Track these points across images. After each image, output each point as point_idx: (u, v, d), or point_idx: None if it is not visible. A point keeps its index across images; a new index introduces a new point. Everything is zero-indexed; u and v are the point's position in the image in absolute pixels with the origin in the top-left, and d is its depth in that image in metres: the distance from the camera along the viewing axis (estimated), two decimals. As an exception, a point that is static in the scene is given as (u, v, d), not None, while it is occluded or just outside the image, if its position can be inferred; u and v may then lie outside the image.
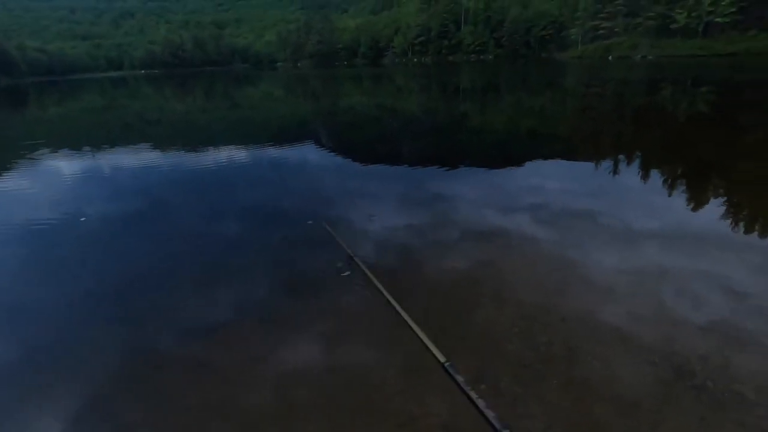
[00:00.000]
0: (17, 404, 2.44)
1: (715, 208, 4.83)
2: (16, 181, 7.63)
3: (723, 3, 42.88)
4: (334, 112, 16.87)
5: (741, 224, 4.38)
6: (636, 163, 7.08)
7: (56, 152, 10.33)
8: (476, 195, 5.75)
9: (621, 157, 7.46)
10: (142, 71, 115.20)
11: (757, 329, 2.68)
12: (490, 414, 1.24)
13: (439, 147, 9.40)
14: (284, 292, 3.48)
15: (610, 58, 50.52)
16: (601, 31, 56.20)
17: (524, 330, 2.78)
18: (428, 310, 3.04)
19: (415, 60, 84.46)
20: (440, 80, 32.07)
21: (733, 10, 42.37)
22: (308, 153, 9.09)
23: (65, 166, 8.75)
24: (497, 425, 1.13)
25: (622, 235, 4.18)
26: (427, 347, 1.56)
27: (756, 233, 4.15)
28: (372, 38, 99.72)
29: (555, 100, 17.54)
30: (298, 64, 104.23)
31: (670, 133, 9.55)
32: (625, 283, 3.29)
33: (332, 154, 9.00)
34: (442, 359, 1.52)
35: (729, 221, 4.45)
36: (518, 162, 7.43)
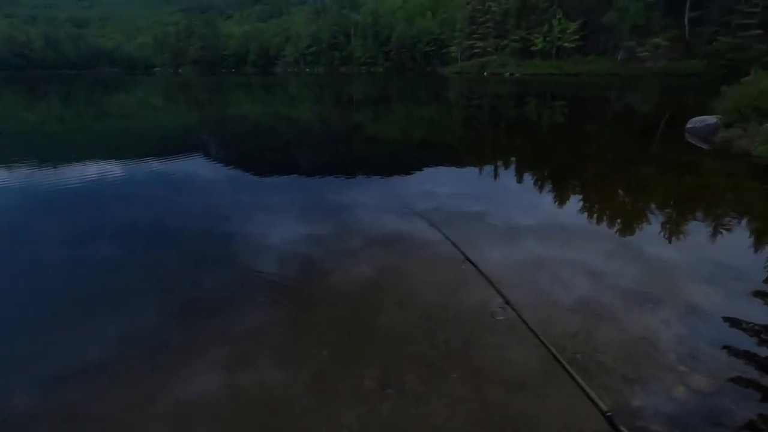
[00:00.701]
0: None
1: (573, 203, 5.66)
2: None
3: (569, 31, 51.04)
4: (224, 121, 15.90)
5: (594, 216, 5.21)
6: (512, 167, 7.98)
7: None
8: (374, 202, 5.90)
9: (499, 162, 8.36)
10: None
11: (611, 304, 3.19)
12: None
13: (335, 156, 9.45)
14: (174, 318, 3.14)
15: (485, 74, 56.35)
16: (477, 50, 62.48)
17: (425, 330, 2.91)
18: (335, 318, 3.02)
19: (308, 70, 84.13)
20: (333, 90, 32.40)
21: (577, 37, 50.76)
22: (196, 165, 8.40)
23: None
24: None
25: (504, 232, 4.66)
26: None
27: (605, 223, 4.97)
28: (261, 46, 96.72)
29: (441, 111, 18.94)
30: (180, 70, 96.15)
31: (537, 141, 10.99)
32: (510, 274, 3.66)
33: (223, 165, 8.45)
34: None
35: (585, 214, 5.27)
36: (411, 169, 7.82)
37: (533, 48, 55.32)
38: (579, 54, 51.67)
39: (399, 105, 22.00)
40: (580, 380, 1.72)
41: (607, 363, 2.55)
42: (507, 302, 2.43)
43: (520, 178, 7.12)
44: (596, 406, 1.60)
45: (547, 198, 6.00)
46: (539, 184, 6.74)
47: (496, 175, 7.37)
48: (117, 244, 4.57)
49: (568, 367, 1.81)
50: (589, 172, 7.64)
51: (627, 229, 4.78)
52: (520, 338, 2.77)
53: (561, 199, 5.91)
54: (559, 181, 7.08)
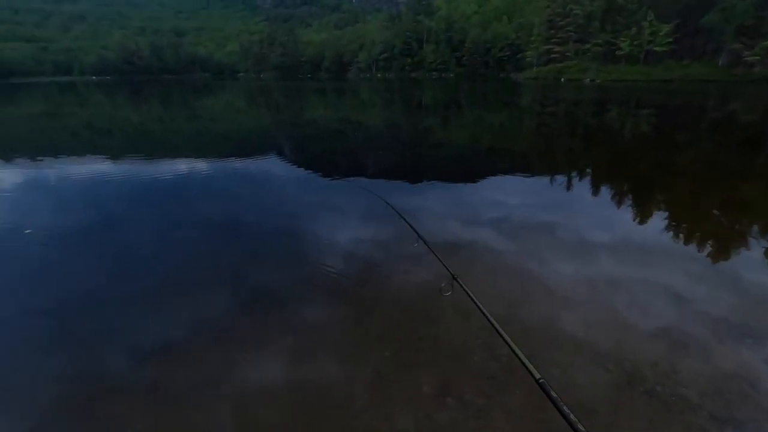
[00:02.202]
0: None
1: (657, 220, 5.18)
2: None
3: (661, 33, 46.89)
4: (298, 125, 16.75)
5: (681, 235, 4.72)
6: (587, 178, 7.49)
7: (-7, 160, 9.56)
8: (440, 209, 5.85)
9: (574, 172, 7.88)
10: (94, 77, 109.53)
11: (698, 334, 2.87)
12: (581, 429, 1.26)
13: (402, 161, 9.53)
14: (242, 308, 3.36)
15: (562, 80, 53.59)
16: (554, 55, 59.66)
17: (487, 341, 2.83)
18: (395, 321, 3.04)
19: (379, 75, 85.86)
20: (403, 96, 32.70)
21: (670, 40, 46.46)
22: (271, 166, 8.94)
23: (4, 176, 8.10)
24: None
25: (577, 247, 4.39)
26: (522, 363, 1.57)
27: (694, 244, 4.48)
28: (336, 53, 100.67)
29: (513, 117, 18.32)
30: (261, 76, 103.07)
31: (618, 151, 10.21)
32: (581, 291, 3.44)
33: (295, 167, 8.89)
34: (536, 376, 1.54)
35: (670, 233, 4.79)
36: (479, 177, 7.65)
37: (619, 52, 51.56)
38: (671, 59, 47.27)
39: (469, 110, 21.65)
40: (514, 347, 1.64)
41: (691, 398, 2.30)
42: (454, 278, 2.30)
43: (596, 191, 6.66)
44: (530, 372, 1.51)
45: (626, 213, 5.54)
46: (617, 198, 6.25)
47: (569, 186, 6.97)
48: (197, 234, 5.00)
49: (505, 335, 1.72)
50: (677, 187, 6.94)
51: (721, 252, 4.27)
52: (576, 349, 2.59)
53: (642, 215, 5.43)
54: (641, 195, 6.52)
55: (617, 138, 12.12)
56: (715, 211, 5.76)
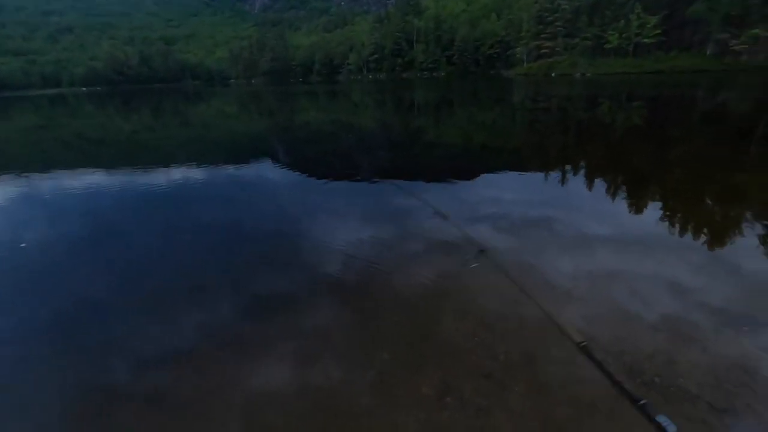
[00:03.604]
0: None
1: (652, 212, 5.20)
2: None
3: (648, 25, 47.18)
4: (290, 128, 16.72)
5: (676, 227, 4.74)
6: (582, 172, 7.52)
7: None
8: (437, 206, 5.85)
9: (568, 167, 7.91)
10: (84, 89, 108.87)
11: (698, 324, 2.89)
12: (627, 387, 1.29)
13: (396, 161, 9.53)
14: (245, 314, 3.34)
15: (553, 75, 53.77)
16: (544, 50, 59.82)
17: (485, 340, 2.83)
18: (396, 323, 3.04)
19: (370, 77, 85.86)
20: (395, 96, 32.72)
21: (658, 32, 46.74)
22: (265, 170, 8.92)
23: (-5, 190, 8.03)
24: (635, 397, 1.20)
25: (574, 241, 4.40)
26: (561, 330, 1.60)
27: (689, 235, 4.51)
28: (326, 55, 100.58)
29: (505, 114, 18.37)
30: (252, 81, 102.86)
31: (610, 145, 10.25)
32: (580, 286, 3.44)
33: (290, 170, 8.87)
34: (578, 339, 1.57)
35: (665, 224, 4.81)
36: (474, 174, 7.66)
37: (607, 46, 51.82)
38: (660, 50, 47.57)
39: (461, 109, 21.69)
40: (551, 313, 1.69)
41: (690, 389, 2.31)
42: (481, 251, 2.34)
43: (590, 185, 6.68)
44: (569, 338, 1.57)
45: (622, 206, 5.56)
46: (612, 191, 6.28)
47: (563, 181, 6.99)
48: (196, 241, 4.98)
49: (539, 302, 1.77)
50: (670, 179, 6.98)
51: (717, 242, 4.30)
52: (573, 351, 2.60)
53: (637, 208, 5.46)
54: (635, 188, 6.55)
55: (610, 132, 12.18)
56: (709, 201, 5.79)
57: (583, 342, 1.47)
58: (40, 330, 3.27)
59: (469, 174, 7.75)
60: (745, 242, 4.22)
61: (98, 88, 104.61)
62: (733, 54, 40.02)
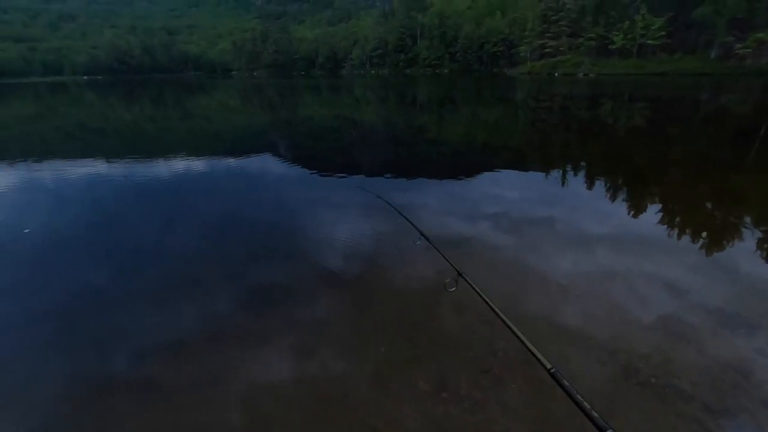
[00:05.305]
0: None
1: (652, 212, 5.22)
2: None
3: (653, 27, 47.04)
4: (292, 123, 16.69)
5: (675, 227, 4.76)
6: (583, 172, 7.53)
7: (-16, 162, 9.46)
8: (438, 205, 5.86)
9: (569, 166, 7.92)
10: (85, 77, 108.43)
11: (694, 324, 2.91)
12: (595, 415, 1.29)
13: (397, 157, 9.53)
14: (243, 306, 3.36)
15: (556, 74, 53.66)
16: (548, 50, 59.67)
17: (484, 336, 2.85)
18: (394, 316, 3.06)
19: (373, 72, 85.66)
20: (398, 92, 32.64)
21: (662, 33, 46.63)
22: (266, 164, 8.92)
23: (0, 177, 8.03)
24: (600, 425, 1.20)
25: (574, 240, 4.42)
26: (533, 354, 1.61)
27: (688, 235, 4.52)
28: (330, 49, 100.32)
29: (508, 113, 18.35)
30: (255, 73, 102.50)
31: (612, 144, 10.26)
32: (579, 284, 3.46)
33: (291, 164, 8.87)
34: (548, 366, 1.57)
35: (665, 225, 4.83)
36: (475, 172, 7.67)
37: (612, 46, 51.71)
38: (664, 52, 47.46)
39: (464, 106, 21.65)
40: (523, 338, 1.69)
41: (685, 389, 2.33)
42: (459, 274, 2.33)
43: (591, 184, 6.69)
44: (540, 363, 1.57)
45: (622, 206, 5.58)
46: (612, 191, 6.29)
47: (564, 180, 7.00)
48: (196, 233, 4.99)
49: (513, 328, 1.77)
50: (671, 179, 6.99)
51: (715, 243, 4.31)
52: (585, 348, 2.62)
53: (637, 208, 5.47)
54: (636, 187, 6.56)
55: (612, 132, 12.18)
56: (709, 203, 5.81)
57: (552, 368, 1.49)
58: (40, 315, 3.29)
59: (470, 172, 7.75)
60: (744, 244, 4.23)
61: (99, 77, 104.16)
62: (736, 58, 39.91)
